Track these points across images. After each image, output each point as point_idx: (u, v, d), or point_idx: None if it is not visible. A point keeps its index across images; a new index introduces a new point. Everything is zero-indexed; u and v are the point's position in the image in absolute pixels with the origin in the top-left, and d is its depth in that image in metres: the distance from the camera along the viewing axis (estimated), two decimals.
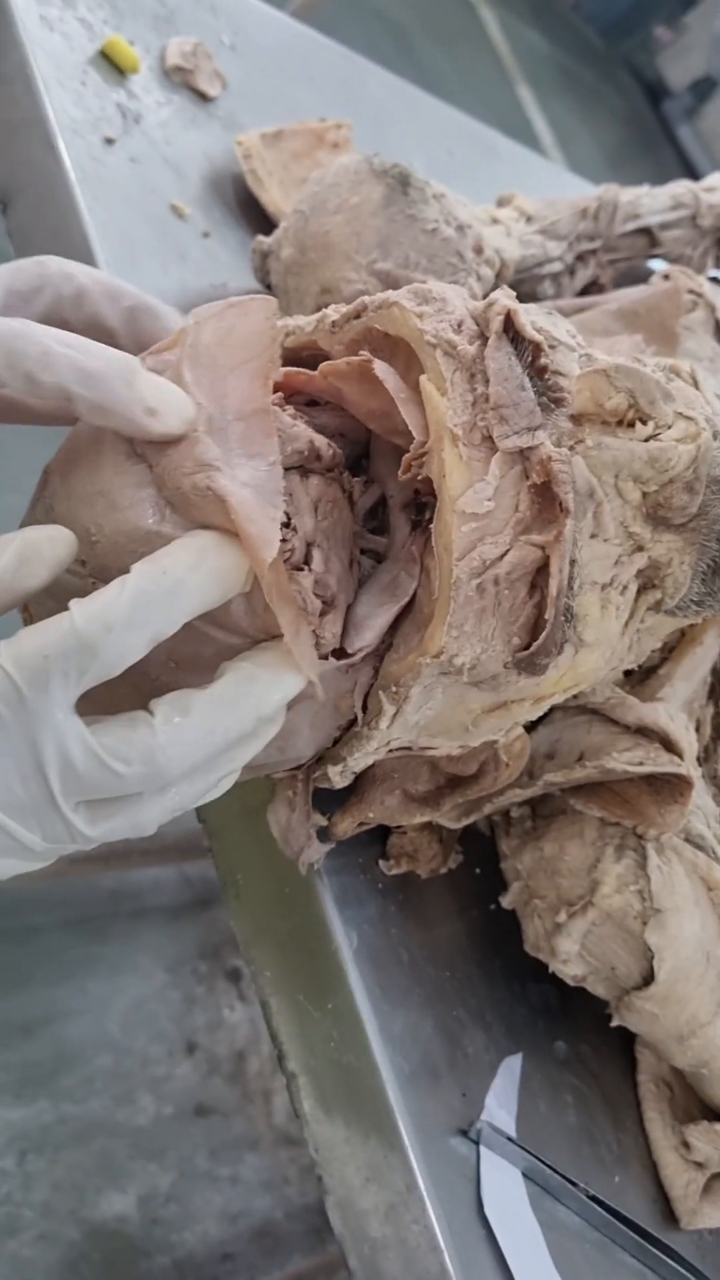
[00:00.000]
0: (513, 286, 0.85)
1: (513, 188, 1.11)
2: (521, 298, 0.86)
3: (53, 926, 1.57)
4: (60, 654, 0.37)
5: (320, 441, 0.46)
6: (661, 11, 5.94)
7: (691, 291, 0.88)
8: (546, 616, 0.44)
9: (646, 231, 0.98)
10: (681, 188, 1.02)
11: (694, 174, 5.53)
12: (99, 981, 1.57)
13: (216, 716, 0.40)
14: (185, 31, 0.86)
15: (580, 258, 0.92)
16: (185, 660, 0.43)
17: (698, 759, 0.68)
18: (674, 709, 0.63)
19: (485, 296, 0.76)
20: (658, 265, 1.07)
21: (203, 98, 0.84)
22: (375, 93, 1.06)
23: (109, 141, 0.74)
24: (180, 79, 0.83)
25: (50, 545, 0.39)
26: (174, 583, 0.38)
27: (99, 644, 0.37)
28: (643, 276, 1.01)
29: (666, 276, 0.89)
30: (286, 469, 0.43)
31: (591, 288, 0.96)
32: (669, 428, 0.46)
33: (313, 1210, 1.61)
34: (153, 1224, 1.47)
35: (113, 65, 0.78)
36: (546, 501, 0.44)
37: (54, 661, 0.36)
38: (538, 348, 0.45)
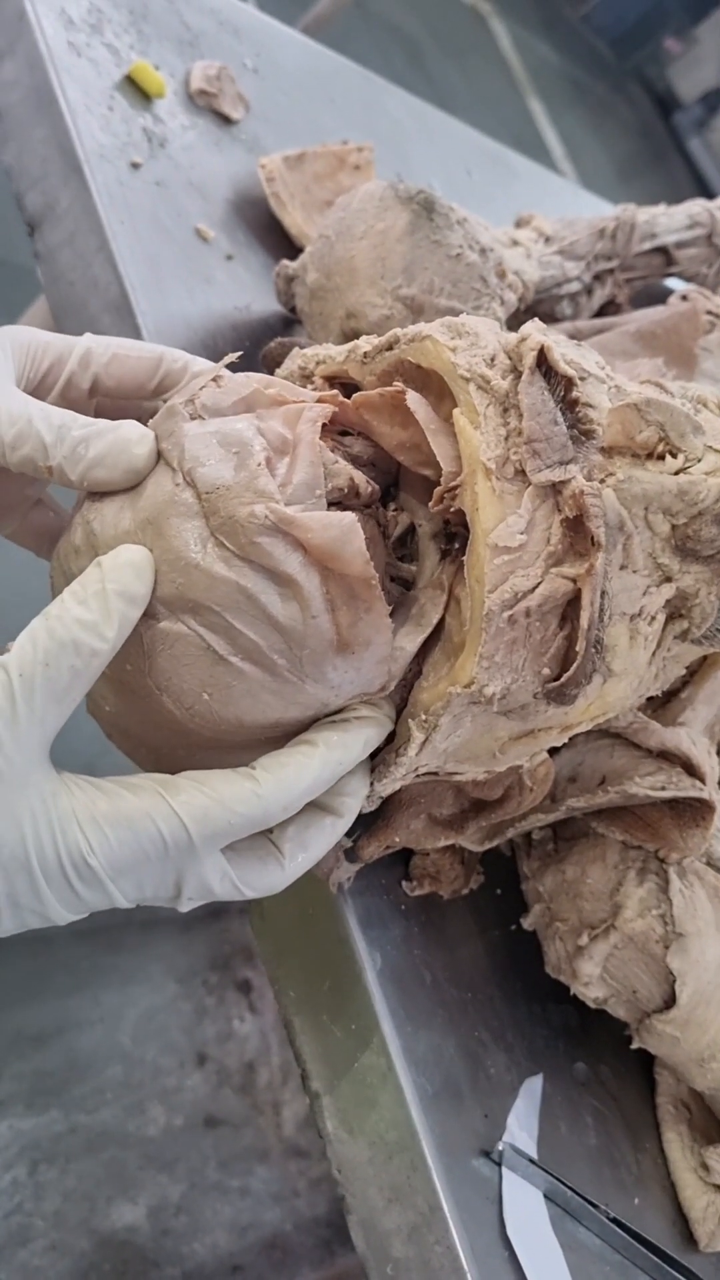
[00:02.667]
0: (531, 306, 0.86)
1: (530, 206, 1.12)
2: (540, 317, 0.87)
3: (65, 937, 1.57)
4: (242, 827, 0.42)
5: (360, 478, 0.47)
6: (672, 24, 5.96)
7: (710, 313, 0.89)
8: (578, 648, 0.45)
9: (663, 250, 0.99)
10: (698, 206, 1.03)
11: (704, 185, 5.55)
12: (111, 992, 1.57)
13: (328, 840, 0.47)
14: (209, 55, 0.87)
15: (598, 277, 0.93)
16: (219, 693, 0.43)
17: (719, 782, 0.68)
18: (696, 733, 0.64)
19: (508, 320, 0.77)
20: (674, 284, 1.07)
21: (226, 121, 0.85)
22: (395, 113, 1.07)
23: (135, 166, 0.74)
24: (204, 103, 0.84)
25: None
26: (339, 768, 0.45)
27: (274, 820, 0.43)
28: (659, 294, 1.02)
29: (685, 297, 0.90)
30: (329, 504, 0.44)
31: (608, 306, 0.97)
32: (699, 461, 0.46)
33: (322, 1223, 1.61)
34: (163, 1235, 1.47)
35: (139, 90, 0.78)
36: (578, 535, 0.45)
37: (235, 829, 0.42)
38: (570, 382, 0.46)
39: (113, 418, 0.49)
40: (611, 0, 5.80)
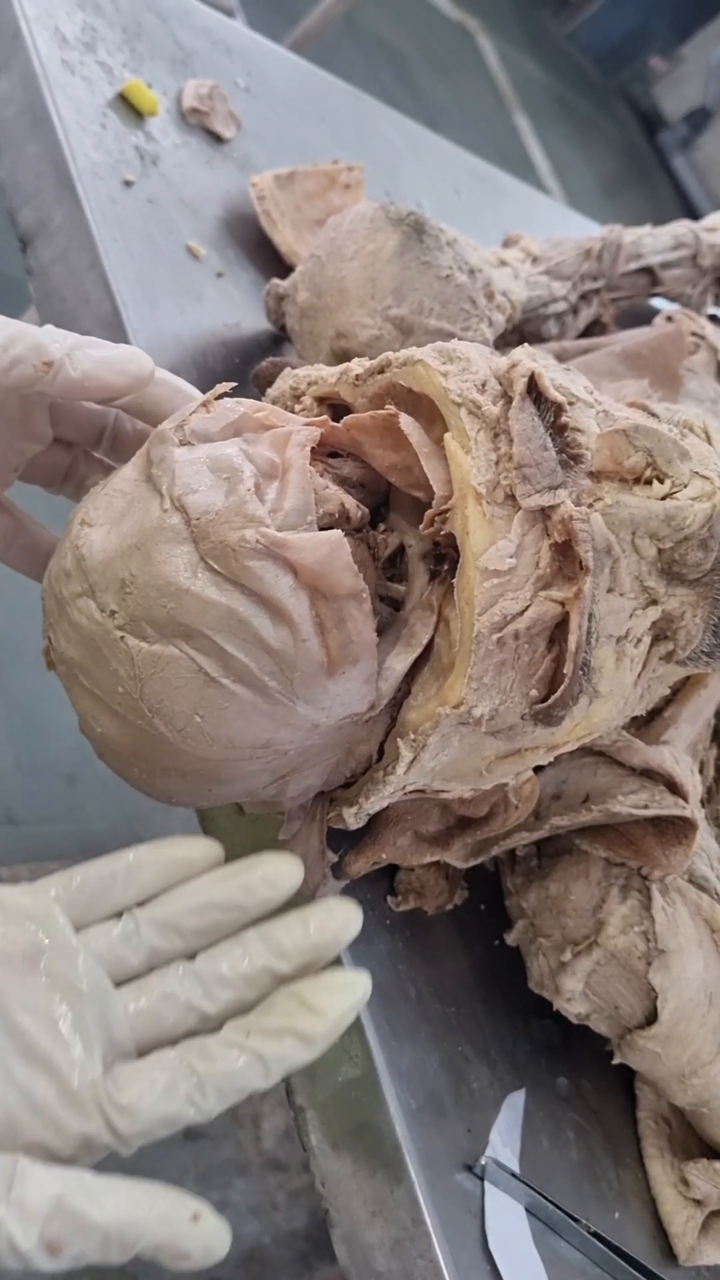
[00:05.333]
0: (518, 326, 0.86)
1: (518, 225, 1.13)
2: (526, 337, 0.88)
3: None
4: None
5: (350, 503, 0.47)
6: (657, 42, 5.99)
7: (694, 334, 0.90)
8: (565, 670, 0.45)
9: (648, 271, 1.00)
10: (683, 228, 1.04)
11: (688, 203, 5.58)
12: None
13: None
14: (202, 74, 0.88)
15: (584, 297, 0.94)
16: (211, 714, 0.44)
17: (701, 801, 0.69)
18: (679, 751, 0.64)
19: (496, 340, 0.78)
20: (659, 304, 1.08)
21: (218, 139, 0.86)
22: (385, 133, 1.08)
23: (127, 183, 0.75)
24: (197, 121, 0.84)
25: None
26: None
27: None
28: (644, 314, 1.03)
29: (670, 318, 0.91)
30: (319, 530, 0.45)
31: (594, 326, 0.98)
32: (685, 486, 0.47)
33: (300, 1236, 1.61)
34: None
35: (131, 108, 0.79)
36: (567, 559, 0.46)
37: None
38: (559, 408, 0.47)
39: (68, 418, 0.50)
40: (598, 18, 5.83)
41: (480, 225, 1.15)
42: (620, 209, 5.13)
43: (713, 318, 1.11)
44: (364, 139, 1.05)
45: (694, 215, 1.08)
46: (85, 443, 0.54)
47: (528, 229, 0.97)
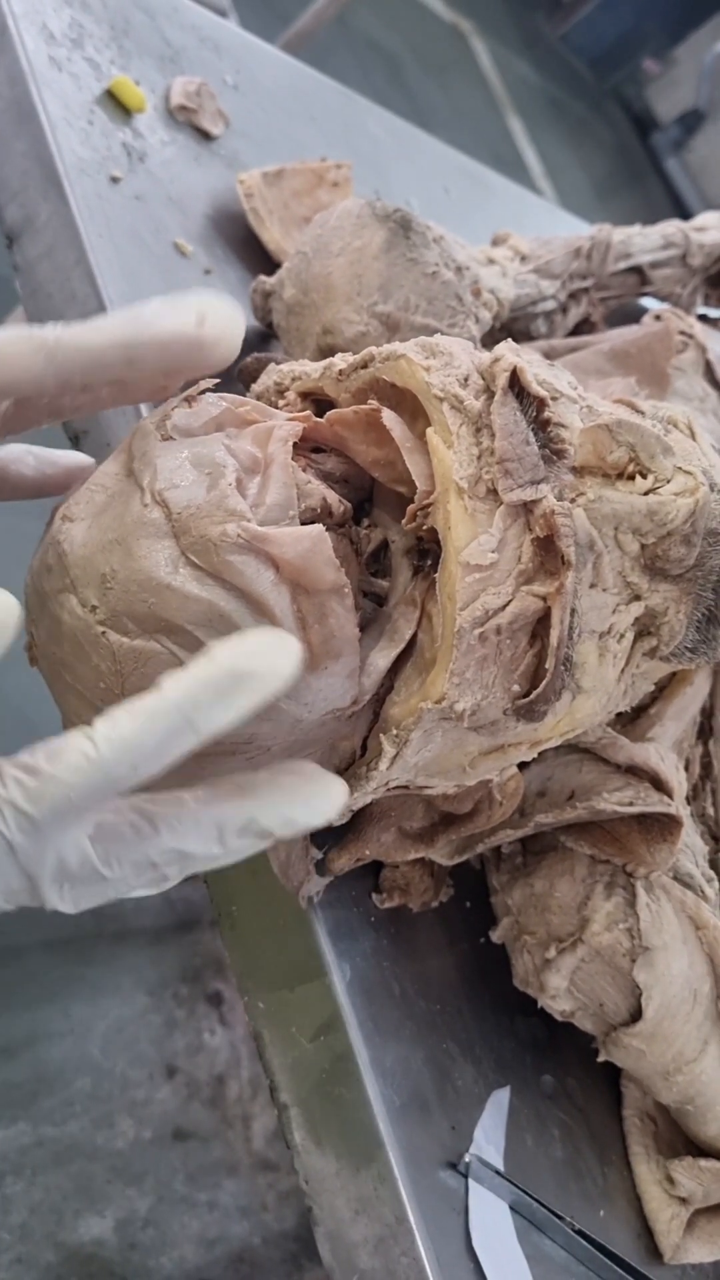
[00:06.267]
0: (507, 324, 0.87)
1: (507, 224, 1.13)
2: (515, 335, 0.88)
3: (35, 947, 1.57)
4: (84, 794, 0.35)
5: (332, 498, 0.47)
6: (650, 44, 6.01)
7: (683, 333, 0.90)
8: (547, 666, 0.45)
9: (637, 270, 1.00)
10: (672, 227, 1.04)
11: (681, 205, 5.59)
12: (80, 1004, 1.57)
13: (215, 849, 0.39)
14: (189, 71, 0.88)
15: (573, 296, 0.94)
16: None
17: (686, 798, 0.69)
18: (664, 748, 0.64)
19: (484, 338, 0.78)
20: (648, 303, 1.09)
21: (206, 136, 0.86)
22: (374, 131, 1.08)
23: (114, 180, 0.75)
24: (184, 118, 0.84)
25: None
26: (201, 715, 0.36)
27: (124, 780, 0.36)
28: (633, 313, 1.03)
29: (658, 317, 0.91)
30: (302, 524, 0.45)
31: (583, 325, 0.98)
32: (668, 481, 0.47)
33: (290, 1237, 1.61)
34: (130, 1248, 1.47)
35: (119, 105, 0.79)
36: (549, 554, 0.45)
37: (76, 799, 0.35)
38: (542, 402, 0.47)
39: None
40: (591, 20, 5.84)
41: (469, 224, 1.15)
42: (613, 211, 5.13)
43: (702, 317, 1.11)
44: (353, 137, 1.05)
45: (686, 217, 1.08)
46: None
47: (517, 228, 0.97)
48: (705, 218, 1.09)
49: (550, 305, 0.89)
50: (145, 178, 0.78)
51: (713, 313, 1.13)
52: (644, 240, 1.00)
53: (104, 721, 0.35)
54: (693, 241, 1.03)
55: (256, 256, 0.83)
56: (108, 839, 0.38)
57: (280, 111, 0.96)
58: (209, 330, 0.42)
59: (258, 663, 0.36)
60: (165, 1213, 1.51)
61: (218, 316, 0.42)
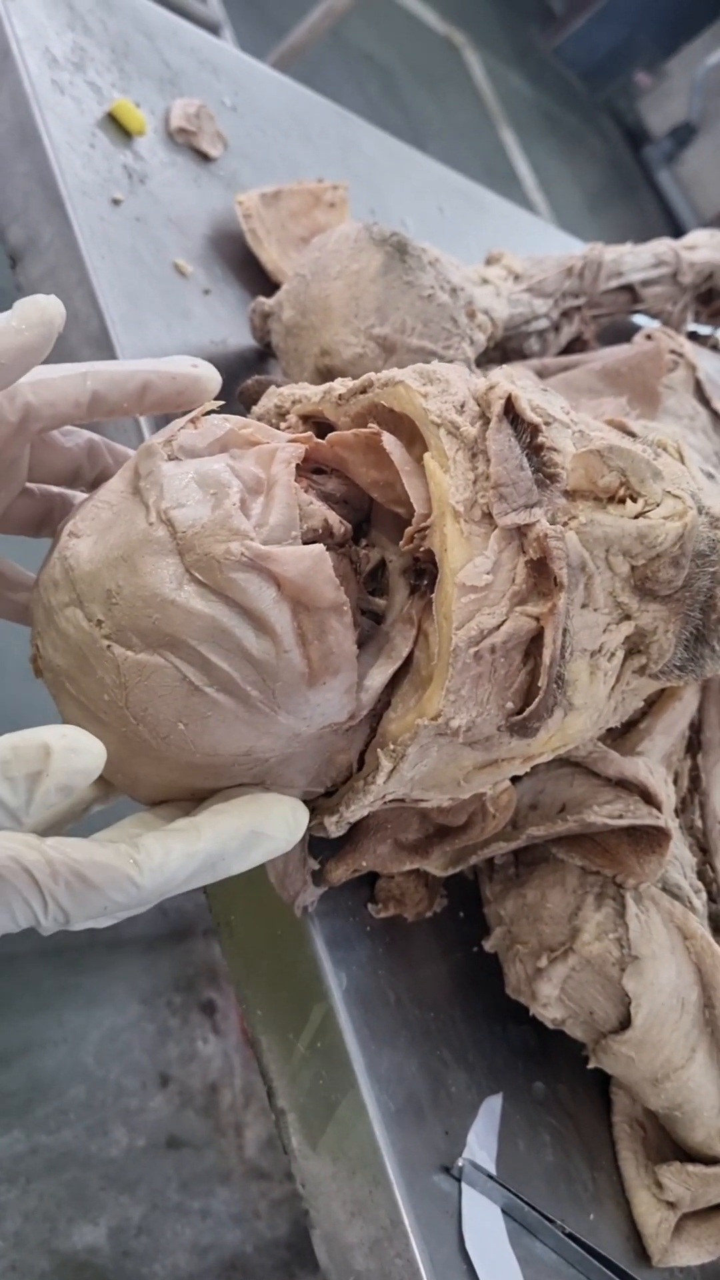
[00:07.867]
0: (500, 343, 0.88)
1: (500, 242, 1.15)
2: (509, 353, 0.89)
3: (29, 956, 1.58)
4: (119, 908, 0.41)
5: (333, 518, 0.48)
6: (643, 57, 6.04)
7: (673, 352, 0.91)
8: (540, 684, 0.47)
9: (629, 288, 1.01)
10: (663, 246, 1.06)
11: (673, 217, 5.61)
12: (74, 1012, 1.58)
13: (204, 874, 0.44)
14: (189, 93, 0.89)
15: (565, 314, 0.95)
16: (194, 722, 0.45)
17: (675, 811, 0.70)
18: (653, 762, 0.66)
19: (478, 357, 0.79)
20: (640, 320, 1.10)
21: (205, 158, 0.87)
22: (370, 151, 1.10)
23: (116, 202, 0.76)
24: (184, 140, 0.86)
25: None
26: (224, 864, 0.44)
27: (152, 899, 0.42)
28: (625, 331, 1.04)
29: (649, 336, 0.92)
30: (303, 544, 0.46)
31: (575, 343, 0.99)
32: (658, 505, 0.48)
33: (282, 1244, 1.62)
34: (123, 1256, 1.47)
35: (120, 127, 0.80)
36: (541, 575, 0.47)
37: (111, 911, 0.41)
38: (535, 428, 0.48)
39: (44, 460, 0.52)
40: (584, 34, 5.87)
41: (464, 242, 1.16)
42: (605, 223, 5.16)
43: (692, 335, 1.13)
44: (349, 157, 1.06)
45: (679, 229, 1.10)
46: (59, 483, 0.54)
47: (511, 246, 0.99)
48: (695, 236, 1.11)
49: (543, 324, 0.91)
50: (146, 199, 0.79)
51: (703, 329, 1.15)
52: (635, 259, 1.02)
53: (148, 855, 0.41)
54: (683, 260, 1.05)
55: (255, 276, 0.84)
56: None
57: (278, 132, 0.98)
58: (201, 369, 0.51)
59: (269, 828, 0.46)
60: (158, 1220, 1.52)
61: (203, 364, 0.52)
